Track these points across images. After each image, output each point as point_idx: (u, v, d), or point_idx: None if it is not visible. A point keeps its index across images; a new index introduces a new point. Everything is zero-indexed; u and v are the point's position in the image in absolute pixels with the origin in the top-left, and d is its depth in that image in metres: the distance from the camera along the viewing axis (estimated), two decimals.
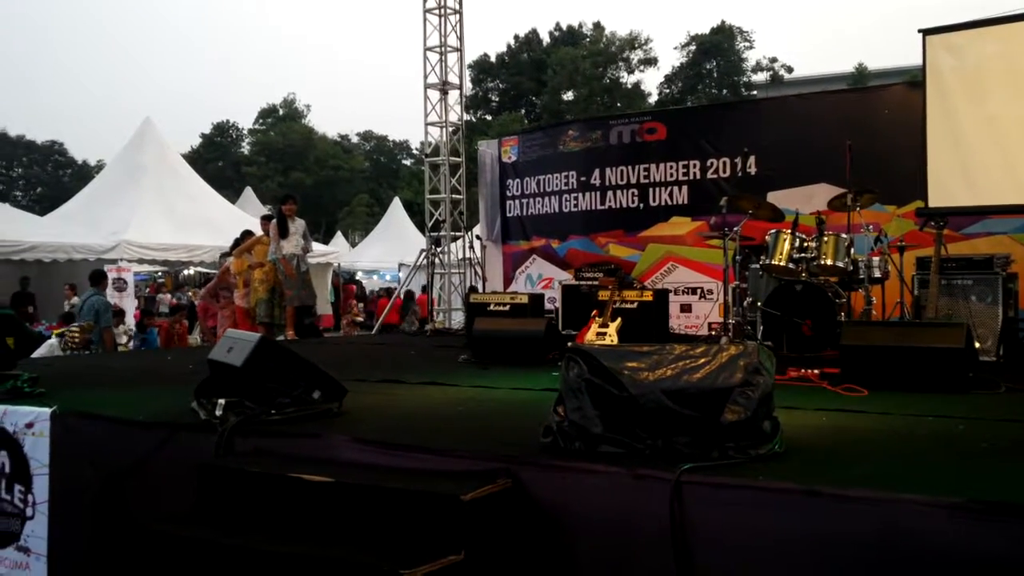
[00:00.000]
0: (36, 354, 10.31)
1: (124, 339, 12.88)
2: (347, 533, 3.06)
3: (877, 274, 7.15)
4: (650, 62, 45.50)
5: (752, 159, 9.97)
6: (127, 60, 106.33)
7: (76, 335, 10.07)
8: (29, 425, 4.45)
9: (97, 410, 4.52)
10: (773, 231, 7.26)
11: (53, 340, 10.41)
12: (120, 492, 4.07)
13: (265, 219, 11.09)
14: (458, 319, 12.42)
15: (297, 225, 10.41)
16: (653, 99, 44.48)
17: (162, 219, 16.36)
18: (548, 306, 9.99)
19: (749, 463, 2.94)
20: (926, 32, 7.87)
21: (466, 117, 14.75)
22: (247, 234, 11.22)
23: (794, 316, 6.73)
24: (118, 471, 4.09)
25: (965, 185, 7.66)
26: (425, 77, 12.78)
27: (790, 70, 44.65)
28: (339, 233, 38.01)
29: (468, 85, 40.31)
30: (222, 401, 3.98)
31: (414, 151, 55.10)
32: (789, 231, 7.13)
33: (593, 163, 11.35)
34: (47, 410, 4.44)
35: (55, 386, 5.21)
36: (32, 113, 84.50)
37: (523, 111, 46.86)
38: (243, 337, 4.37)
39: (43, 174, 58.34)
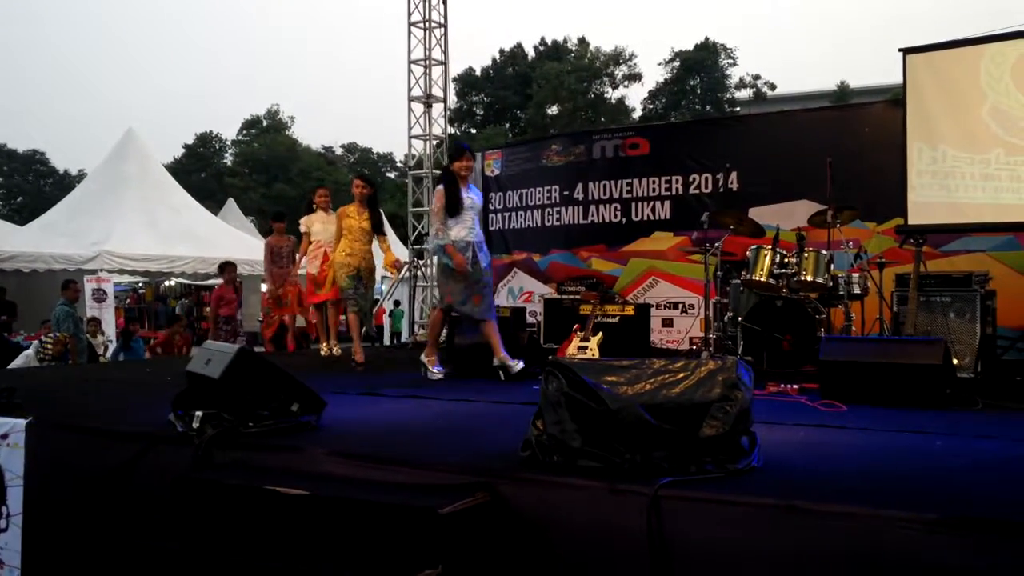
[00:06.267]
0: (12, 365, 10.26)
1: (102, 349, 12.78)
2: (323, 547, 3.04)
3: (857, 290, 7.22)
4: (634, 78, 45.77)
5: (734, 175, 10.02)
6: (110, 70, 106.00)
7: (50, 346, 10.07)
8: (4, 436, 4.39)
9: (73, 421, 4.48)
10: (754, 247, 7.31)
11: (30, 351, 10.38)
12: (96, 505, 4.03)
13: (276, 218, 10.79)
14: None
15: (472, 196, 6.67)
16: (637, 114, 44.64)
17: (144, 230, 16.28)
18: (530, 319, 10.00)
19: (727, 478, 2.94)
20: (907, 51, 7.93)
21: (450, 130, 14.77)
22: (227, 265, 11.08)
23: (774, 332, 6.78)
24: (94, 483, 4.04)
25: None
26: (409, 90, 12.80)
27: (773, 87, 44.92)
28: None
29: (452, 98, 40.29)
30: (199, 413, 3.94)
31: (398, 164, 55.04)
32: (770, 247, 7.19)
33: (576, 177, 11.38)
34: (22, 421, 4.38)
35: (31, 397, 5.15)
36: (13, 122, 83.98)
37: (507, 125, 46.89)
38: (221, 349, 4.34)
39: (24, 183, 57.87)
